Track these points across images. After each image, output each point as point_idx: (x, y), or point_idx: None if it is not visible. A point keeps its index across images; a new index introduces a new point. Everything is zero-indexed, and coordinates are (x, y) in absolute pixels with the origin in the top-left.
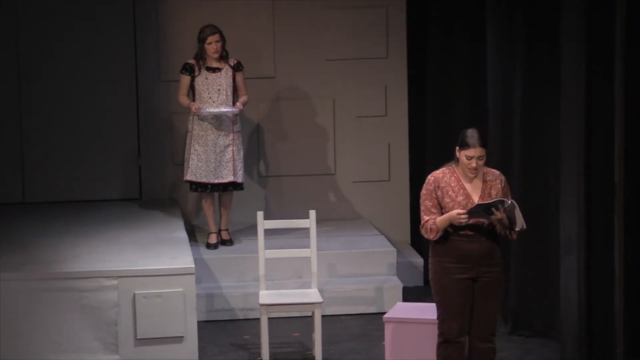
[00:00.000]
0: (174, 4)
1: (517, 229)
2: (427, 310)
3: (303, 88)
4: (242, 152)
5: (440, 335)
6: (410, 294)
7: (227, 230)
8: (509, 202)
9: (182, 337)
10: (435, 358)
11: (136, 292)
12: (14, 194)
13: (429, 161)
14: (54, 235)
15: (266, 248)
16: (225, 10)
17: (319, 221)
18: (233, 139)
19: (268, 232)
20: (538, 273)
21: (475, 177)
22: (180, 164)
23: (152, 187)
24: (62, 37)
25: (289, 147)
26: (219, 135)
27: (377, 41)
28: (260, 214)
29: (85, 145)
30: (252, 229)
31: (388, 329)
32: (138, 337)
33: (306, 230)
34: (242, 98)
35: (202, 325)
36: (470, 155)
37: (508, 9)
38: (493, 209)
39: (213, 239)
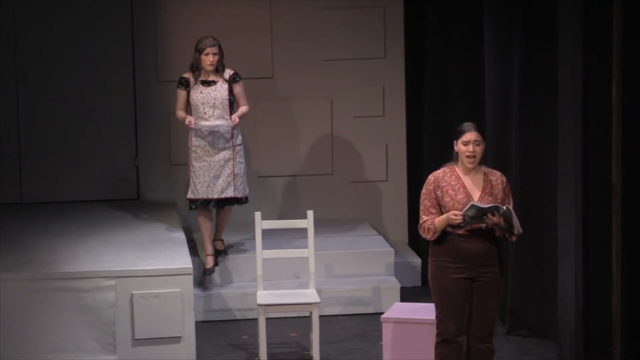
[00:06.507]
0: (172, 5)
1: (514, 235)
2: (425, 311)
3: (301, 88)
4: (243, 166)
5: (438, 334)
6: (408, 294)
7: (222, 240)
8: (504, 208)
9: (180, 337)
10: (433, 358)
11: (134, 292)
12: (11, 195)
13: (427, 161)
14: (52, 236)
15: (264, 248)
16: (223, 11)
17: (316, 221)
18: (233, 154)
19: (266, 233)
20: (536, 273)
21: (473, 167)
22: (177, 164)
23: (149, 188)
24: (60, 38)
25: (287, 147)
26: (219, 150)
27: (375, 41)
28: (257, 214)
29: (82, 146)
30: (249, 229)
31: (386, 329)
32: (136, 338)
33: (304, 231)
34: (241, 109)
35: (200, 325)
36: (466, 140)
37: (505, 8)
38: (488, 214)
39: (210, 263)
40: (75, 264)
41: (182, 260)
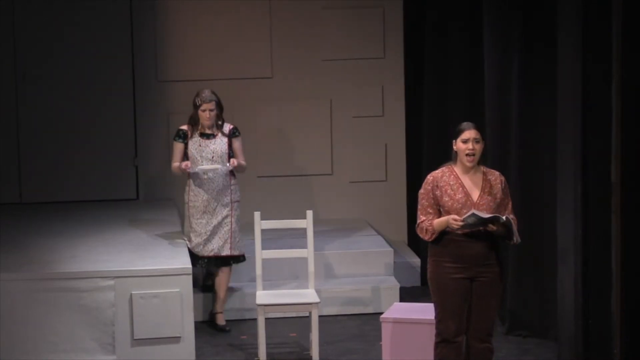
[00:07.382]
0: (171, 4)
1: (513, 242)
2: (425, 311)
3: (300, 88)
4: (239, 223)
5: (437, 334)
6: (407, 294)
7: (222, 313)
8: (504, 218)
9: (179, 337)
10: (432, 358)
11: (133, 292)
12: (11, 195)
13: (426, 161)
14: (51, 236)
15: (263, 248)
16: (222, 11)
17: (316, 221)
18: (231, 210)
19: (265, 233)
20: (535, 273)
21: (472, 165)
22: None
23: (149, 188)
24: (60, 38)
25: (286, 148)
26: (217, 205)
27: (374, 41)
28: (257, 214)
29: (82, 146)
30: (249, 229)
31: (385, 329)
32: (135, 338)
33: (303, 231)
34: (240, 161)
35: (199, 325)
36: (465, 137)
37: (505, 8)
38: (489, 224)
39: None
40: (74, 264)
41: (182, 260)
